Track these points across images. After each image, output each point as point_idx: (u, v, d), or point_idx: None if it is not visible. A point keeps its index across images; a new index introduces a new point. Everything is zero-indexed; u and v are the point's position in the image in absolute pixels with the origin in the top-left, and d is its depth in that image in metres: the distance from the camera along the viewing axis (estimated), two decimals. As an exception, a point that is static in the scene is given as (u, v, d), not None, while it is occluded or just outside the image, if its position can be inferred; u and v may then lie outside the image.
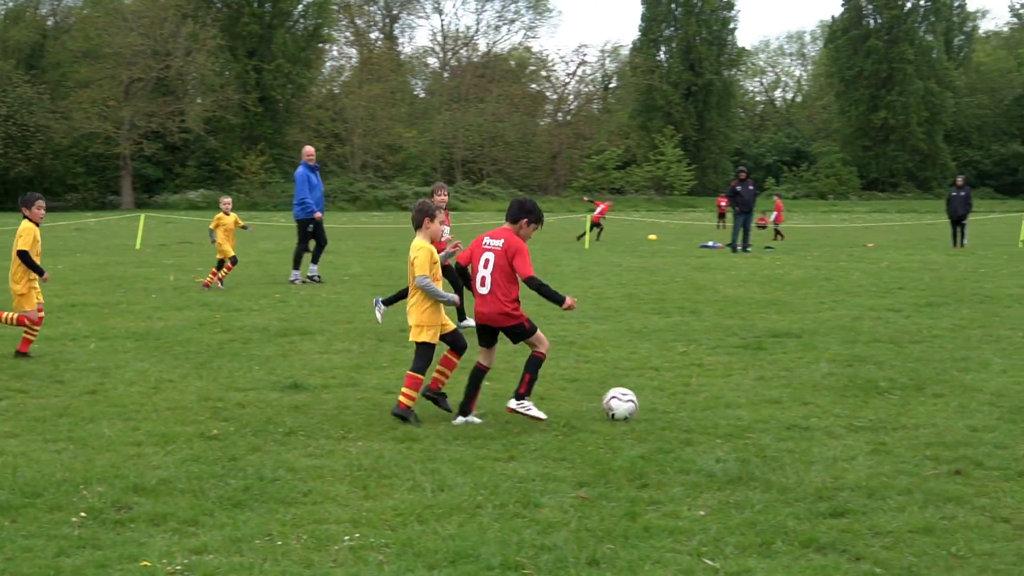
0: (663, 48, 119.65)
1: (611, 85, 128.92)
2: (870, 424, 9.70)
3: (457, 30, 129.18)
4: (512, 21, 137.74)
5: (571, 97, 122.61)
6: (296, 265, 22.96)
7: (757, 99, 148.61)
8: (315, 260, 23.25)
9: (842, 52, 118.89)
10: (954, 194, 38.89)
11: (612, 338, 15.12)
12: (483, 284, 9.73)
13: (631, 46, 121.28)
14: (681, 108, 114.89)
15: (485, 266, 9.74)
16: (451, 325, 10.20)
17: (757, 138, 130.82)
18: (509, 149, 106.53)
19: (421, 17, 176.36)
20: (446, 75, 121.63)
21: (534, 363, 9.79)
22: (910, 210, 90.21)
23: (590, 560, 6.24)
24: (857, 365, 12.79)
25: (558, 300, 9.67)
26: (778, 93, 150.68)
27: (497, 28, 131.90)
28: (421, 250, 9.91)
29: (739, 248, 34.74)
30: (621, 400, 9.95)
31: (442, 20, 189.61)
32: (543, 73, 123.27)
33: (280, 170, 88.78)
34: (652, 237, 43.82)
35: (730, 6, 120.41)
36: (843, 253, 33.57)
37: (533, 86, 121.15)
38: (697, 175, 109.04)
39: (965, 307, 18.77)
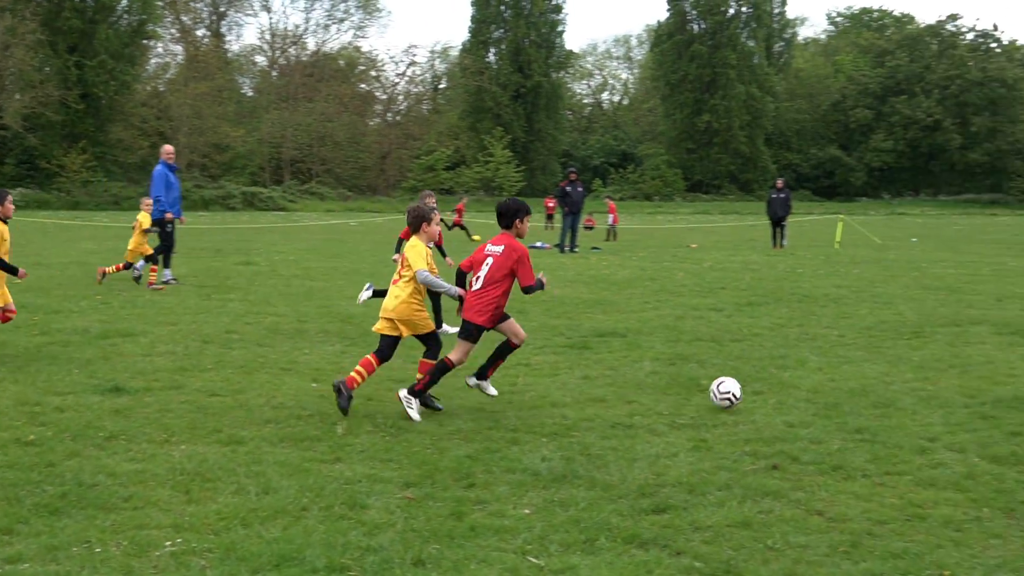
0: (492, 50, 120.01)
1: (441, 86, 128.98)
2: (692, 421, 9.90)
3: (286, 28, 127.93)
4: (341, 20, 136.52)
5: (401, 97, 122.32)
6: (166, 264, 22.37)
7: (585, 102, 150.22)
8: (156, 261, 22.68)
9: (667, 56, 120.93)
10: (774, 196, 39.87)
11: (442, 339, 15.11)
12: (478, 280, 10.25)
13: (461, 47, 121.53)
14: (510, 110, 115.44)
15: (486, 268, 10.22)
16: (431, 326, 10.55)
17: (585, 140, 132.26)
18: (338, 149, 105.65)
19: (249, 15, 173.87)
20: (274, 74, 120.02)
21: (508, 349, 10.43)
22: (732, 211, 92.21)
23: (416, 560, 6.25)
24: (680, 363, 13.05)
25: (542, 286, 10.35)
26: (605, 96, 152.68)
27: (326, 27, 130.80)
28: (414, 248, 10.36)
29: (567, 249, 35.10)
30: (734, 400, 10.40)
31: (270, 18, 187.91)
32: (373, 73, 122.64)
33: (103, 168, 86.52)
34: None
35: (558, 9, 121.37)
36: (667, 254, 34.19)
37: (363, 86, 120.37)
38: (526, 176, 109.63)
39: (784, 306, 19.29)
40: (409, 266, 10.32)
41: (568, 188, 35.77)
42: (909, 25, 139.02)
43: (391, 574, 6.07)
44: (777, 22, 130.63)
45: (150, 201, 22.35)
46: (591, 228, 46.50)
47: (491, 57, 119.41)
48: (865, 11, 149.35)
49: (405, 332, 10.36)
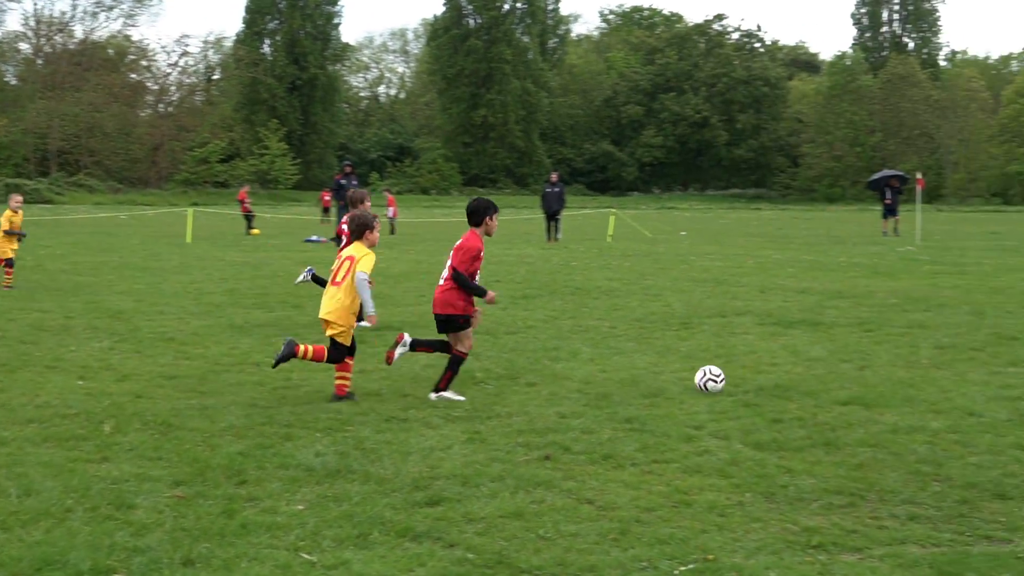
0: (267, 41, 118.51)
1: (214, 77, 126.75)
2: (466, 414, 9.96)
3: (51, 15, 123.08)
4: (111, 8, 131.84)
5: (173, 88, 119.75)
6: None
7: (362, 95, 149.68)
8: None
9: (443, 51, 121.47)
10: (548, 190, 40.45)
11: (213, 334, 14.90)
12: (442, 277, 10.72)
13: (235, 38, 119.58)
14: (286, 102, 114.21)
15: (448, 262, 10.68)
16: (350, 339, 10.62)
17: (362, 133, 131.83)
18: (108, 140, 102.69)
19: (12, 0, 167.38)
20: (40, 62, 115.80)
21: (455, 362, 10.70)
22: (508, 205, 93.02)
23: (185, 560, 6.12)
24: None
25: (479, 293, 10.60)
26: (382, 89, 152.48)
27: (95, 15, 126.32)
28: (368, 255, 10.62)
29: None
30: (716, 383, 11.03)
31: (35, 4, 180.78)
32: (144, 63, 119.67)
33: None
34: (255, 232, 43.41)
35: (334, 1, 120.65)
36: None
37: (133, 76, 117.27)
38: (302, 169, 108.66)
39: (557, 299, 19.60)
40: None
41: (343, 181, 35.64)
42: (678, 24, 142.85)
43: (159, 575, 5.94)
44: (551, 18, 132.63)
45: (20, 197, 21.45)
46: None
47: (266, 48, 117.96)
48: (636, 9, 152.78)
49: (327, 332, 10.51)
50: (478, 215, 10.80)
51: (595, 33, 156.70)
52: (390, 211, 46.57)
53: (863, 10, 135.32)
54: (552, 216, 39.89)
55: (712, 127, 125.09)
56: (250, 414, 9.82)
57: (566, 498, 7.43)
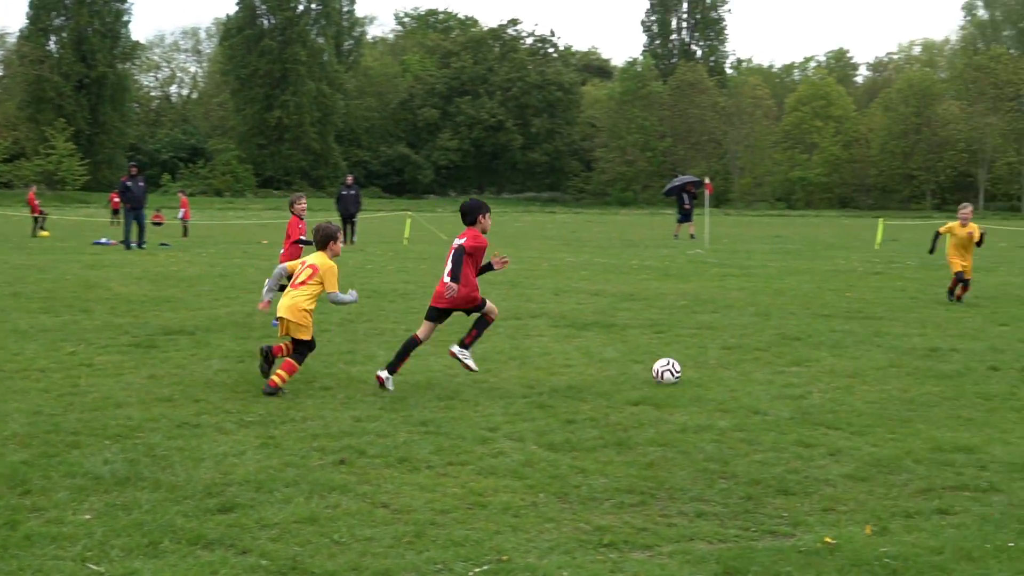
0: (53, 38, 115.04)
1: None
2: (260, 419, 9.85)
3: None
4: None
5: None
6: None
7: (153, 94, 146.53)
8: None
9: (237, 51, 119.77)
10: (344, 193, 40.29)
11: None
12: (448, 274, 11.32)
13: (19, 34, 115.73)
14: (73, 101, 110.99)
15: (449, 259, 11.37)
16: (309, 336, 11.39)
17: (153, 134, 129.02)
18: None
19: None
20: None
21: (484, 323, 11.70)
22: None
23: (-35, 575, 5.92)
24: (249, 361, 12.94)
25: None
26: (174, 89, 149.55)
27: None
28: (330, 269, 11.41)
29: (133, 245, 34.15)
30: (674, 375, 11.86)
31: None
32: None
33: None
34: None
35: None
36: (238, 250, 33.86)
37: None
38: (91, 170, 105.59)
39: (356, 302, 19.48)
40: (319, 281, 11.34)
41: (129, 183, 34.89)
42: (473, 28, 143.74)
43: (-63, 591, 5.73)
44: (346, 20, 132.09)
45: None
46: (160, 224, 45.40)
47: (52, 45, 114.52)
48: (431, 12, 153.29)
49: (291, 335, 11.29)
50: (472, 215, 11.60)
51: (391, 36, 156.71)
52: (181, 212, 45.66)
53: (653, 18, 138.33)
54: (348, 219, 39.71)
55: (507, 131, 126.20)
56: (35, 421, 9.52)
57: (361, 502, 7.41)
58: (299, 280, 11.38)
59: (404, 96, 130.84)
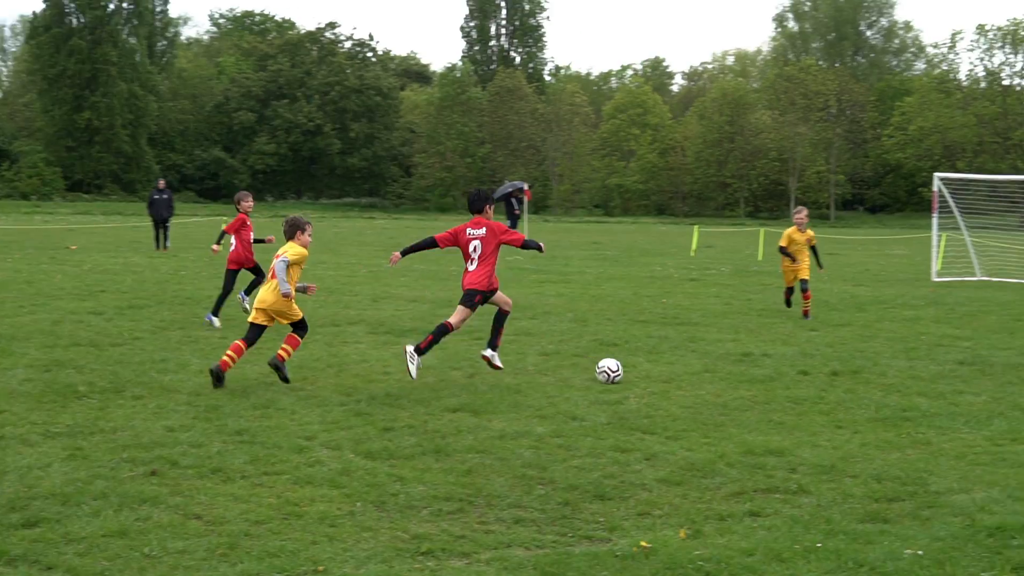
0: None
1: None
2: (68, 430, 9.56)
3: None
4: None
5: None
6: None
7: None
8: None
9: (44, 49, 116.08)
10: (156, 197, 39.49)
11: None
12: (472, 262, 12.76)
13: None
14: None
15: (475, 251, 12.72)
16: (300, 314, 12.25)
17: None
18: None
19: None
20: None
21: (503, 317, 13.12)
22: (115, 212, 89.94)
23: None
24: (56, 370, 12.57)
25: (538, 247, 13.15)
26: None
27: None
28: (303, 256, 12.24)
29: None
30: (610, 374, 12.56)
31: None
32: None
33: None
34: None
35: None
36: (45, 255, 32.84)
37: None
38: None
39: (166, 309, 19.13)
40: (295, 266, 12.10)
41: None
42: (290, 31, 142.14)
43: None
44: (159, 20, 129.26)
45: None
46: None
47: None
48: (247, 14, 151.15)
49: (283, 321, 12.13)
50: (479, 203, 13.01)
51: (205, 37, 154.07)
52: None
53: (472, 24, 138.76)
54: (161, 224, 38.90)
55: (325, 135, 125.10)
56: None
57: (173, 514, 7.25)
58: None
59: (219, 99, 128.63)
